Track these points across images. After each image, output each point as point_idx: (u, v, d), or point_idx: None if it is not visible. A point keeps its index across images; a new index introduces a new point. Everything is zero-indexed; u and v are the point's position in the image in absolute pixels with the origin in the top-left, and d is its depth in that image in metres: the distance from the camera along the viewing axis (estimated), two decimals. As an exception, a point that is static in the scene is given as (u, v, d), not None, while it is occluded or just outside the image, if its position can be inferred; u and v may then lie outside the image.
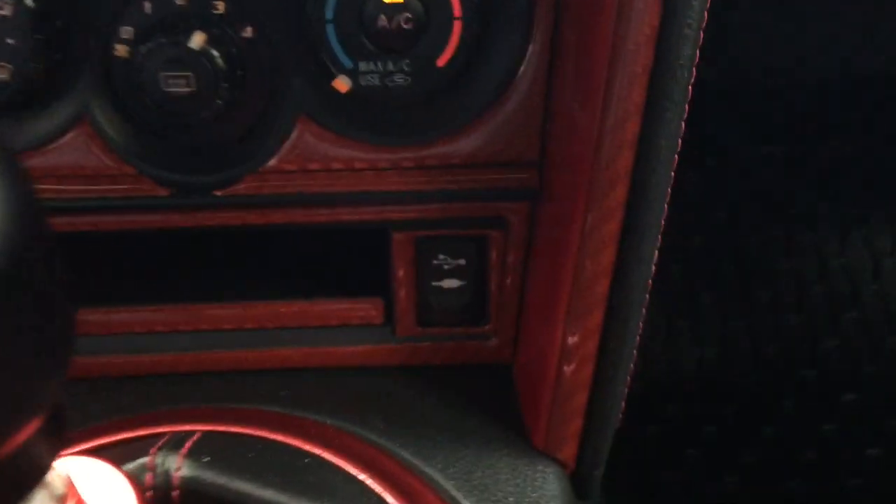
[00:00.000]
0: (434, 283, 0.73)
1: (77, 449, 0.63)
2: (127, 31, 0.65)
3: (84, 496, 0.38)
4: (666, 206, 0.59)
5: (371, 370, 0.76)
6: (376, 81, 0.64)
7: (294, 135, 0.67)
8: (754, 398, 1.61)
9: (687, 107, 0.57)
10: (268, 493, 0.56)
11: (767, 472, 1.57)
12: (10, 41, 0.62)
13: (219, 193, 0.68)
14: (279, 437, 0.62)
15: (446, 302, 0.74)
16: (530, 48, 0.66)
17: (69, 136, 0.67)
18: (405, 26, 0.62)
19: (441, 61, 0.64)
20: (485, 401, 0.74)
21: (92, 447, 0.63)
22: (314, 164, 0.68)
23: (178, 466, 0.57)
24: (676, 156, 0.58)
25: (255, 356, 0.75)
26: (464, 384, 0.76)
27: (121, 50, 0.65)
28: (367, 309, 0.75)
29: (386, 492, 0.59)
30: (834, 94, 1.62)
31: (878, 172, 1.66)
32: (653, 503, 1.55)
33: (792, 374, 1.62)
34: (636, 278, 0.60)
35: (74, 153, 0.67)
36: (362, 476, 0.61)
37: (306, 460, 0.61)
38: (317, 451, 0.62)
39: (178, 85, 0.62)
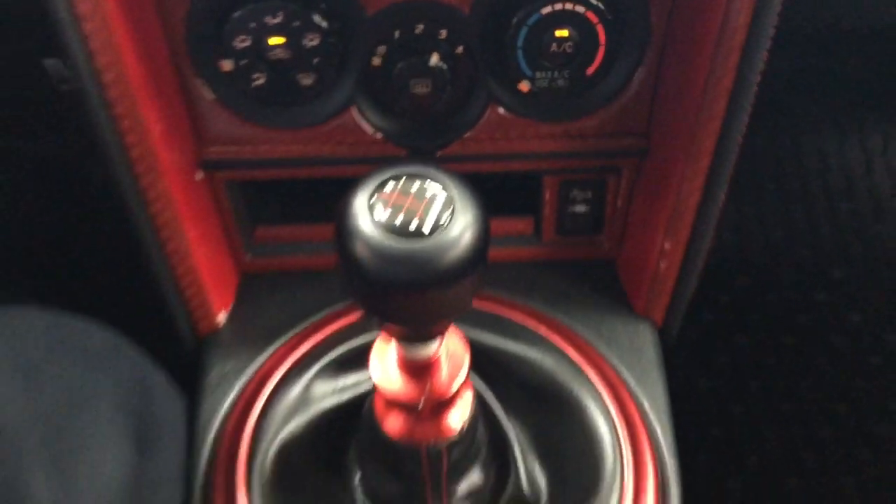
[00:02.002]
0: (569, 209, 1.12)
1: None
2: (381, 50, 0.99)
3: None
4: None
5: (523, 264, 1.16)
6: (546, 84, 0.99)
7: (486, 116, 1.03)
8: (761, 272, 1.88)
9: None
10: (507, 345, 0.96)
11: (786, 380, 1.74)
12: (316, 60, 0.96)
13: (438, 153, 1.05)
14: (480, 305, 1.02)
15: (577, 219, 1.13)
16: (645, 60, 1.01)
17: (342, 116, 1.02)
18: (568, 51, 0.97)
19: (590, 71, 0.99)
20: (599, 283, 1.14)
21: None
22: (499, 134, 1.04)
23: None
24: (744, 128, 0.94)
25: None
26: (584, 273, 1.15)
27: (377, 61, 1.00)
28: (523, 223, 1.14)
29: (561, 341, 0.99)
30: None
31: (872, 85, 1.90)
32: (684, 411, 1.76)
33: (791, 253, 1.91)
34: (713, 209, 0.97)
35: (346, 127, 1.03)
36: (541, 331, 1.01)
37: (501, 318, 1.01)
38: (502, 313, 1.02)
39: (421, 88, 0.98)
